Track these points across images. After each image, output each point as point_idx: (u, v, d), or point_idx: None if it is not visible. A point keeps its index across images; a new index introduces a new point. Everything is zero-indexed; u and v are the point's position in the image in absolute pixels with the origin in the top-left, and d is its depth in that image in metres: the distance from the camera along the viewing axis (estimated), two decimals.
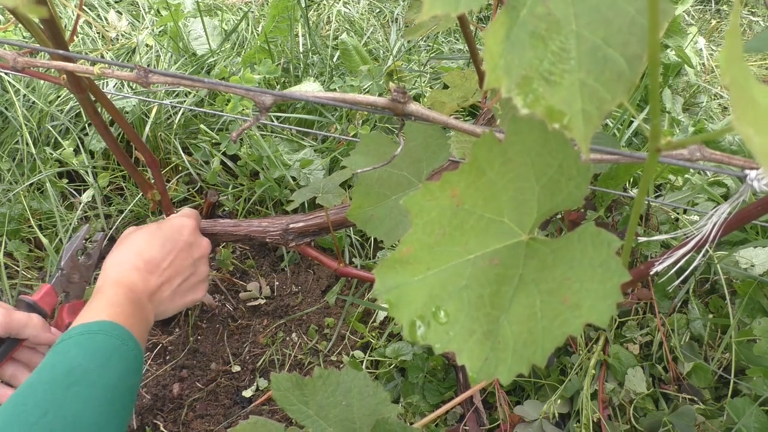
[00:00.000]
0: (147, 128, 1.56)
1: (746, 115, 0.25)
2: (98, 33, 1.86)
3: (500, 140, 0.42)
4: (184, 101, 1.65)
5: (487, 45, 0.36)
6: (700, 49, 2.21)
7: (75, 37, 1.39)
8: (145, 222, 1.51)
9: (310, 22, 2.01)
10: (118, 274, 0.78)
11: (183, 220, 0.90)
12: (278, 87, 1.79)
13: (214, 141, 1.61)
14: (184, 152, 1.60)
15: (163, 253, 0.84)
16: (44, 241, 1.38)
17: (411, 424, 1.17)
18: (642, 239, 0.85)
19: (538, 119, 0.34)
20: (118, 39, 1.86)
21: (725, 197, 1.36)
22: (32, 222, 1.42)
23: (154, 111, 1.58)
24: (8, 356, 0.77)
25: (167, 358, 1.35)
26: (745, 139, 0.25)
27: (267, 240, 1.06)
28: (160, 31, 1.91)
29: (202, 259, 0.91)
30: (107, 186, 1.58)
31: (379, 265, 0.43)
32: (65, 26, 1.85)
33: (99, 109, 0.91)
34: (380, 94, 1.69)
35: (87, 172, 1.54)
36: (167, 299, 0.83)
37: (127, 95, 1.58)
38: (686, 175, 1.41)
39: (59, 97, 1.62)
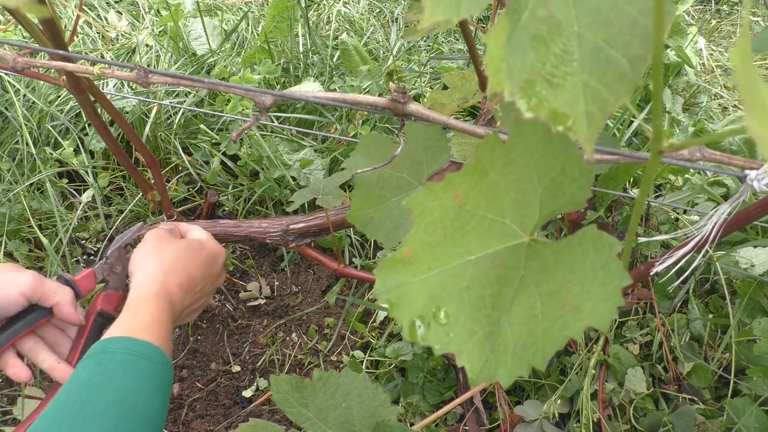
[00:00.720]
0: (147, 128, 1.56)
1: (757, 116, 0.25)
2: (98, 33, 1.86)
3: (503, 142, 0.42)
4: (184, 101, 1.65)
5: (488, 49, 0.36)
6: (700, 49, 2.21)
7: (75, 37, 1.39)
8: (145, 222, 1.51)
9: (310, 22, 2.01)
10: (163, 285, 0.76)
11: (220, 249, 0.91)
12: (278, 87, 1.79)
13: (214, 141, 1.61)
14: (184, 152, 1.59)
15: (201, 276, 0.83)
16: (44, 241, 1.38)
17: (411, 424, 1.17)
18: (642, 239, 0.85)
19: (542, 122, 0.34)
20: (118, 39, 1.86)
21: (725, 197, 1.36)
22: (32, 222, 1.42)
23: (154, 111, 1.58)
24: (32, 327, 0.76)
25: None
26: (756, 140, 0.25)
27: (267, 241, 1.06)
28: (160, 31, 1.91)
29: (214, 291, 0.91)
30: (107, 186, 1.58)
31: (380, 265, 0.43)
32: (65, 26, 1.85)
33: (99, 110, 0.91)
34: (380, 94, 1.69)
35: (87, 172, 1.54)
36: (183, 318, 0.84)
37: (126, 95, 1.58)
38: (686, 175, 1.41)
39: (59, 97, 1.62)
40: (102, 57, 1.76)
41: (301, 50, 1.90)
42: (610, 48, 0.33)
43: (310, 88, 1.69)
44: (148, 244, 0.82)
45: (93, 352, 0.65)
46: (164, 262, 0.79)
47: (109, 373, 0.62)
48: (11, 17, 0.75)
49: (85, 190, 1.54)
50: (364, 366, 1.31)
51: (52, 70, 1.43)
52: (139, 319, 0.70)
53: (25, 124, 1.52)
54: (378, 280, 0.43)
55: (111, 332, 0.68)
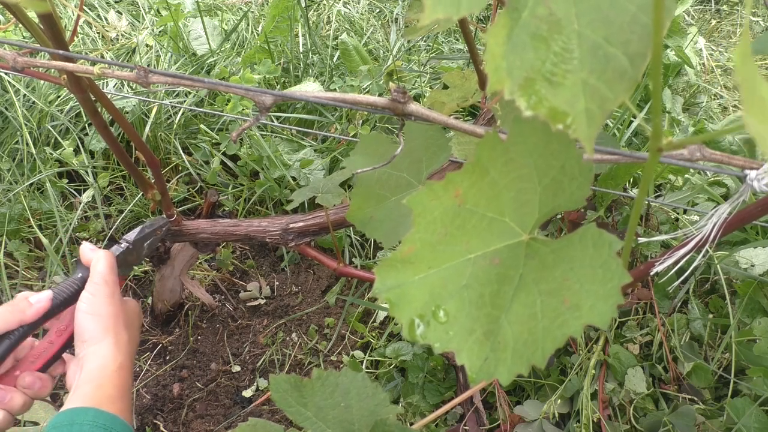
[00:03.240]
0: (147, 128, 1.56)
1: (757, 115, 0.25)
2: (98, 33, 1.86)
3: (503, 140, 0.42)
4: (184, 101, 1.65)
5: (488, 47, 0.36)
6: (700, 49, 2.21)
7: (75, 37, 1.39)
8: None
9: (310, 22, 2.01)
10: (127, 354, 0.73)
11: (140, 309, 0.87)
12: (278, 87, 1.79)
13: (214, 141, 1.61)
14: (184, 152, 1.60)
15: (137, 339, 0.82)
16: (44, 241, 1.38)
17: (411, 424, 1.17)
18: (642, 239, 0.85)
19: (541, 120, 0.34)
20: (118, 39, 1.86)
21: (725, 197, 1.36)
22: (32, 222, 1.42)
23: (154, 111, 1.58)
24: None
25: (167, 358, 1.35)
26: (756, 139, 0.25)
27: (267, 240, 1.06)
28: (160, 31, 1.91)
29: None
30: (107, 186, 1.58)
31: (380, 264, 0.43)
32: (65, 26, 1.85)
33: (99, 109, 0.91)
34: (380, 94, 1.69)
35: (87, 172, 1.54)
36: None
37: (127, 95, 1.58)
38: (686, 175, 1.41)
39: (59, 97, 1.62)
40: (102, 57, 1.76)
41: (301, 50, 1.90)
42: (609, 45, 0.33)
43: (310, 88, 1.69)
44: (102, 304, 0.74)
45: (59, 424, 0.62)
46: (124, 331, 0.74)
47: None
48: (11, 17, 0.75)
49: (85, 190, 1.55)
50: (364, 366, 1.31)
51: (53, 70, 1.43)
52: (105, 391, 0.67)
53: (25, 124, 1.52)
54: (378, 278, 0.43)
55: (75, 401, 0.65)
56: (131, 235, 0.92)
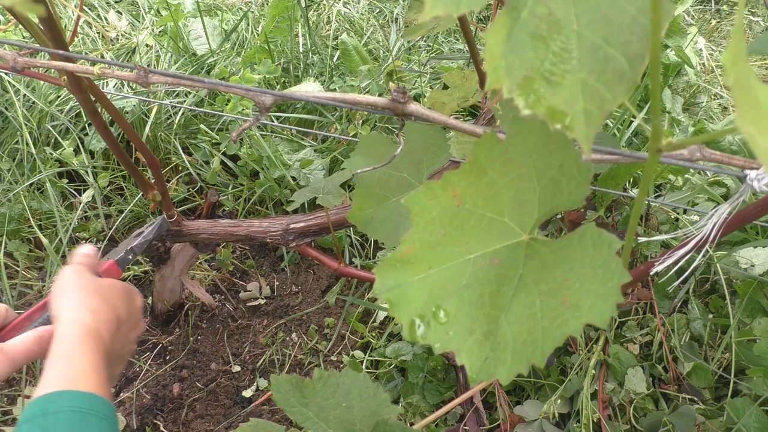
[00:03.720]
0: (147, 128, 1.56)
1: (749, 115, 0.25)
2: (98, 33, 1.86)
3: (501, 140, 0.42)
4: (184, 101, 1.65)
5: (488, 46, 0.36)
6: (700, 49, 2.21)
7: (75, 38, 1.39)
8: (145, 222, 1.51)
9: (310, 22, 2.01)
10: (93, 325, 0.68)
11: (137, 292, 0.84)
12: (278, 87, 1.79)
13: (214, 141, 1.61)
14: (184, 152, 1.60)
15: (126, 317, 0.76)
16: (44, 241, 1.38)
17: (411, 424, 1.17)
18: (642, 239, 0.85)
19: (540, 120, 0.34)
20: (118, 39, 1.86)
21: (725, 197, 1.36)
22: (32, 222, 1.42)
23: (154, 111, 1.58)
24: None
25: (167, 358, 1.35)
26: (748, 139, 0.25)
27: (267, 240, 1.06)
28: (160, 31, 1.91)
29: (137, 339, 0.83)
30: (107, 186, 1.58)
31: (380, 264, 0.43)
32: (65, 26, 1.85)
33: (99, 110, 0.91)
34: (380, 94, 1.69)
35: (87, 172, 1.54)
36: (109, 367, 0.74)
37: (127, 95, 1.58)
38: (686, 175, 1.41)
39: (59, 97, 1.62)
40: (102, 57, 1.76)
41: (301, 50, 1.90)
42: (609, 46, 0.33)
43: (310, 88, 1.69)
44: (68, 281, 0.73)
45: (32, 415, 0.56)
46: (90, 300, 0.70)
47: None
48: (12, 17, 0.75)
49: (85, 190, 1.55)
50: (364, 366, 1.31)
51: (53, 70, 1.43)
52: (76, 367, 0.61)
53: (25, 124, 1.52)
54: (378, 279, 0.43)
55: (46, 383, 0.59)
56: (137, 240, 0.93)
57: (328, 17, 2.19)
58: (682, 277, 1.23)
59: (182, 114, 1.62)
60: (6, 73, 1.55)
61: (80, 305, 0.69)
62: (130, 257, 0.92)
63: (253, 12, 2.12)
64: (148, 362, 1.33)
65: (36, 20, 0.75)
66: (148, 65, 1.79)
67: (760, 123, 0.25)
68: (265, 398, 1.25)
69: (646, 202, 1.27)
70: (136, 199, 1.52)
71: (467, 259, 0.43)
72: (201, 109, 1.61)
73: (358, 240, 1.52)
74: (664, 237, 0.78)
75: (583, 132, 0.33)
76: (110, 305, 0.72)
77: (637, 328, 1.21)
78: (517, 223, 0.43)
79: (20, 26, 0.96)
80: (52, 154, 1.54)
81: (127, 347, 0.77)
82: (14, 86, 1.56)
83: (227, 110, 1.56)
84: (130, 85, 1.66)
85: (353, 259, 1.50)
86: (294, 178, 1.55)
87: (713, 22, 2.66)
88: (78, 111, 1.62)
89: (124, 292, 0.78)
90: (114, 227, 1.49)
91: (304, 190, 1.01)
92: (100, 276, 0.81)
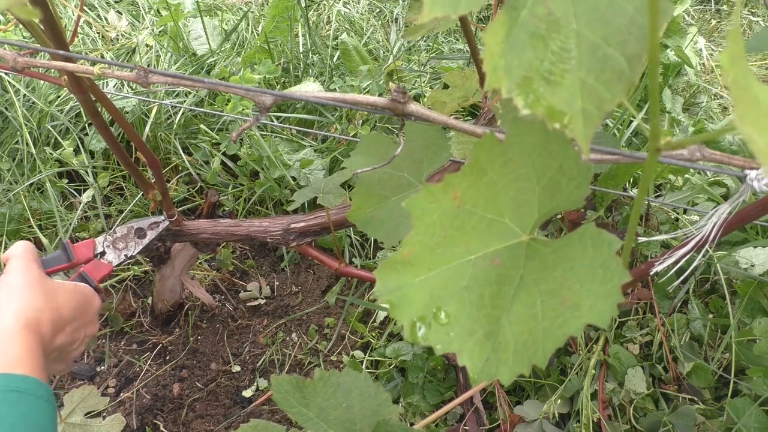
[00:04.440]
0: (147, 128, 1.56)
1: (748, 115, 0.25)
2: (98, 33, 1.86)
3: (501, 141, 0.42)
4: (184, 101, 1.65)
5: (487, 45, 0.36)
6: (700, 49, 2.21)
7: (75, 38, 1.39)
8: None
9: (310, 22, 2.01)
10: (34, 320, 0.71)
11: (95, 295, 0.86)
12: (278, 87, 1.79)
13: (214, 141, 1.61)
14: (184, 152, 1.60)
15: (71, 316, 0.78)
16: (44, 241, 1.38)
17: (411, 424, 1.17)
18: (642, 239, 0.85)
19: (539, 120, 0.34)
20: (118, 39, 1.86)
21: (725, 197, 1.36)
22: (32, 222, 1.42)
23: (154, 111, 1.58)
24: None
25: (167, 358, 1.35)
26: (747, 139, 0.25)
27: (268, 240, 1.06)
28: (160, 31, 1.91)
29: (88, 339, 0.85)
30: (107, 186, 1.58)
31: (380, 267, 0.43)
32: (65, 26, 1.85)
33: (99, 110, 0.91)
34: (380, 94, 1.69)
35: (87, 172, 1.54)
36: (51, 360, 0.77)
37: (127, 95, 1.58)
38: (686, 175, 1.41)
39: (59, 97, 1.62)
40: (102, 57, 1.76)
41: (301, 50, 1.90)
42: (608, 46, 0.33)
43: (310, 88, 1.69)
44: (15, 276, 0.75)
45: None
46: (34, 298, 0.73)
47: None
48: (12, 17, 0.75)
49: (85, 190, 1.55)
50: (364, 366, 1.31)
51: (53, 70, 1.43)
52: (11, 354, 0.64)
53: (25, 124, 1.52)
54: (378, 281, 0.43)
55: None
56: (118, 227, 0.96)
57: (328, 17, 2.19)
58: (682, 277, 1.23)
59: (182, 114, 1.62)
60: (6, 73, 1.56)
61: (23, 302, 0.72)
62: (111, 238, 0.94)
63: (253, 12, 2.13)
64: (148, 362, 1.33)
65: (36, 20, 0.75)
66: (148, 65, 1.79)
67: (759, 123, 0.25)
68: (265, 398, 1.25)
69: (646, 202, 1.27)
70: (136, 199, 1.52)
71: (467, 260, 0.43)
72: (201, 109, 1.61)
73: (358, 240, 1.52)
74: (664, 237, 0.78)
75: (582, 131, 0.33)
76: (54, 306, 0.75)
77: (637, 328, 1.21)
78: (517, 224, 0.43)
79: (20, 26, 0.96)
80: (52, 154, 1.54)
81: (73, 345, 0.79)
82: (14, 86, 1.56)
83: (227, 110, 1.56)
84: (130, 85, 1.66)
85: (353, 259, 1.50)
86: (294, 178, 1.55)
87: (713, 22, 2.66)
88: (78, 111, 1.62)
89: (74, 294, 0.81)
90: (114, 227, 1.49)
91: (305, 190, 1.01)
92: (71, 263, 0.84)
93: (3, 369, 0.62)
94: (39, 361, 0.67)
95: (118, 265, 0.97)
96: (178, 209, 1.08)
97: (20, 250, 0.79)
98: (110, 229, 0.93)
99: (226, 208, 1.54)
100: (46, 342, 0.72)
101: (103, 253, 0.96)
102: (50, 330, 0.73)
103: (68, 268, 0.93)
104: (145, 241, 1.01)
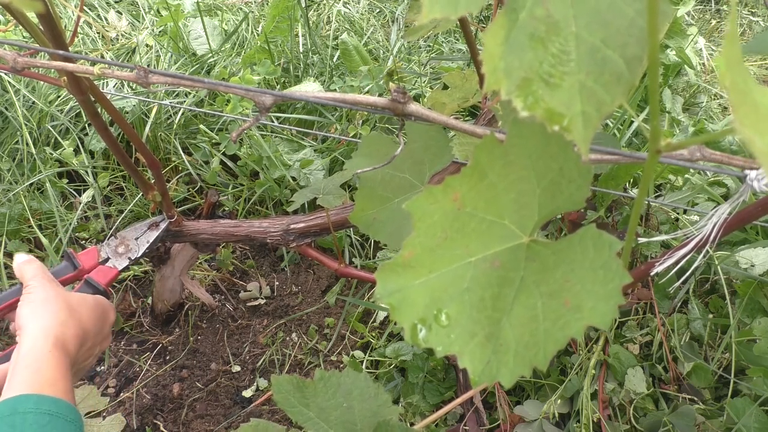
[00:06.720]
0: (147, 128, 1.56)
1: (747, 117, 0.25)
2: (98, 33, 1.86)
3: (501, 142, 0.42)
4: (184, 101, 1.65)
5: (486, 47, 0.36)
6: (700, 50, 2.21)
7: (75, 38, 1.38)
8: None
9: (310, 22, 2.01)
10: (61, 337, 0.71)
11: (111, 308, 0.87)
12: (278, 87, 1.79)
13: (214, 141, 1.61)
14: (184, 152, 1.60)
15: (93, 332, 0.79)
16: (44, 241, 1.38)
17: (411, 424, 1.17)
18: (642, 240, 0.85)
19: (539, 122, 0.34)
20: (118, 39, 1.86)
21: (725, 197, 1.36)
22: (32, 222, 1.42)
23: (154, 111, 1.58)
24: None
25: (167, 358, 1.35)
26: (746, 141, 0.25)
27: (268, 240, 1.06)
28: (160, 31, 1.91)
29: (101, 353, 0.86)
30: (107, 186, 1.58)
31: (381, 269, 0.43)
32: (65, 26, 1.85)
33: (99, 110, 0.91)
34: (380, 95, 1.69)
35: (87, 172, 1.54)
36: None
37: (127, 95, 1.58)
38: (686, 175, 1.41)
39: (59, 97, 1.62)
40: (102, 57, 1.76)
41: (301, 50, 1.90)
42: (607, 48, 0.33)
43: (310, 88, 1.69)
44: (38, 293, 0.76)
45: (0, 414, 0.60)
46: (59, 312, 0.74)
47: None
48: (11, 17, 0.75)
49: (85, 190, 1.55)
50: (364, 366, 1.31)
51: (53, 71, 1.43)
52: (44, 374, 0.65)
53: (25, 124, 1.52)
54: (379, 283, 0.43)
55: (13, 388, 0.63)
56: (119, 230, 0.97)
57: (328, 17, 2.19)
58: (683, 278, 1.23)
59: (182, 114, 1.62)
60: (6, 73, 1.55)
61: (50, 318, 0.73)
62: (113, 244, 0.95)
63: (253, 12, 2.12)
64: (148, 362, 1.33)
65: (36, 20, 0.75)
66: (148, 65, 1.79)
67: (758, 125, 0.25)
68: (265, 398, 1.25)
69: (646, 203, 1.27)
70: (136, 199, 1.52)
71: (468, 262, 0.43)
72: (201, 110, 1.61)
73: (358, 240, 1.52)
74: (664, 237, 0.78)
75: (581, 134, 0.33)
76: (78, 319, 0.76)
77: (637, 328, 1.21)
78: (518, 226, 0.43)
79: (20, 26, 0.96)
80: (52, 154, 1.54)
81: (89, 360, 0.80)
82: (14, 86, 1.56)
83: (227, 110, 1.56)
84: (130, 85, 1.66)
85: (353, 260, 1.50)
86: (294, 179, 1.55)
87: (713, 22, 2.66)
88: (78, 111, 1.62)
89: (94, 308, 0.81)
90: (114, 227, 1.49)
91: (305, 190, 1.01)
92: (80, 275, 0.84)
93: (36, 389, 0.63)
94: (69, 383, 0.67)
95: (123, 269, 0.98)
96: (178, 209, 1.08)
97: (35, 269, 0.80)
98: (110, 232, 0.93)
99: (226, 209, 1.54)
100: (72, 359, 0.72)
101: (107, 259, 0.96)
102: (75, 345, 0.74)
103: (75, 278, 0.93)
104: (148, 242, 1.01)
